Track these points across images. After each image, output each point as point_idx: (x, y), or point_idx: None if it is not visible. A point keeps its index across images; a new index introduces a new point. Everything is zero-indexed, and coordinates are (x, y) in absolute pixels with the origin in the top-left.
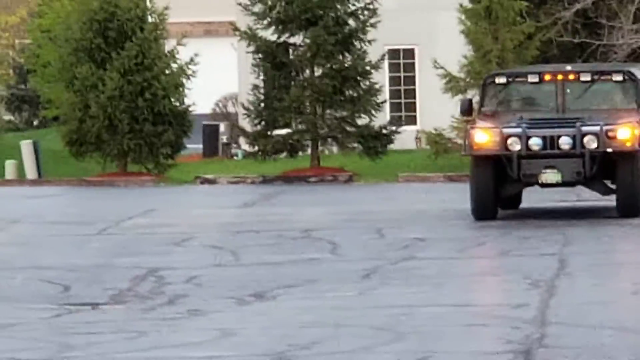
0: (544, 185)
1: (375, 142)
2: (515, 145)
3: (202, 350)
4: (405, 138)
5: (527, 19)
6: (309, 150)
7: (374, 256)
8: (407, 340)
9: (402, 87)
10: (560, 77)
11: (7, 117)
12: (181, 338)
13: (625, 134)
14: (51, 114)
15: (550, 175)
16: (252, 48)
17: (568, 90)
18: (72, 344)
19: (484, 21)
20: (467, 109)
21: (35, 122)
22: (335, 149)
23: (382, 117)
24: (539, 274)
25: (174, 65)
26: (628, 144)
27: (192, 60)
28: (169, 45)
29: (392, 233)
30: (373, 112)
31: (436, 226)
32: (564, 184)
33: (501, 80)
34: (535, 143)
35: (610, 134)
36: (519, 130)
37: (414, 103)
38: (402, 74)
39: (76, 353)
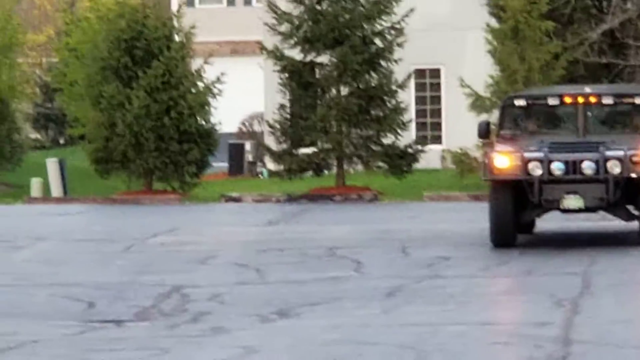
0: (566, 211)
1: (400, 161)
2: (536, 170)
3: None
4: (431, 157)
5: (554, 39)
6: (334, 169)
7: (399, 274)
8: (431, 358)
9: (428, 107)
10: (581, 99)
11: (34, 135)
12: (205, 355)
13: None
14: (77, 132)
15: (572, 201)
16: (278, 67)
17: (589, 113)
18: None
19: (511, 41)
20: (484, 132)
21: (62, 141)
22: (360, 167)
23: (407, 136)
24: (562, 293)
25: (200, 84)
26: None
27: (218, 79)
28: (195, 64)
29: (417, 252)
30: (399, 131)
31: (460, 245)
32: (586, 209)
33: (520, 102)
34: (557, 168)
35: (634, 159)
36: (540, 154)
37: (440, 122)
38: (428, 94)
39: None
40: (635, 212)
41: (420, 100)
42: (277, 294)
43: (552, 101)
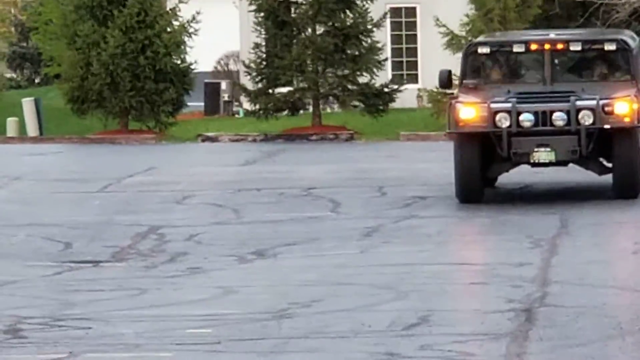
0: (536, 165)
1: (376, 100)
2: (504, 122)
3: (202, 307)
4: (407, 96)
5: None
6: (311, 109)
7: (375, 214)
8: (408, 298)
9: (404, 46)
10: (547, 46)
11: (9, 74)
12: (182, 296)
13: (623, 108)
14: (53, 71)
15: (543, 154)
16: (253, 6)
17: (556, 61)
18: (73, 301)
19: None
20: (446, 81)
21: (37, 80)
22: (336, 107)
23: (383, 76)
24: (540, 233)
25: (176, 23)
26: (627, 120)
27: (194, 18)
28: (170, 2)
29: (394, 191)
30: (374, 70)
31: (437, 185)
32: (557, 163)
33: (484, 50)
34: (526, 119)
35: (607, 109)
36: (508, 105)
37: (416, 61)
38: (404, 32)
39: (77, 310)
40: (609, 165)
41: (396, 39)
42: (254, 234)
43: (518, 48)
